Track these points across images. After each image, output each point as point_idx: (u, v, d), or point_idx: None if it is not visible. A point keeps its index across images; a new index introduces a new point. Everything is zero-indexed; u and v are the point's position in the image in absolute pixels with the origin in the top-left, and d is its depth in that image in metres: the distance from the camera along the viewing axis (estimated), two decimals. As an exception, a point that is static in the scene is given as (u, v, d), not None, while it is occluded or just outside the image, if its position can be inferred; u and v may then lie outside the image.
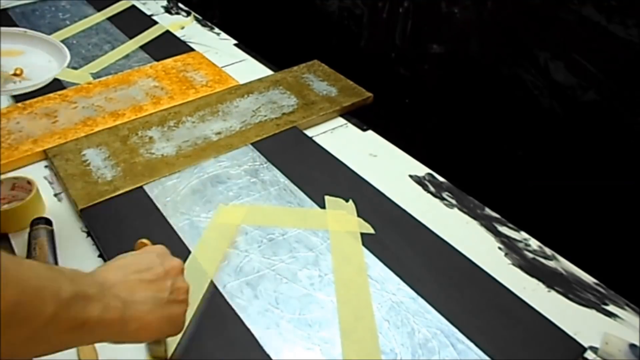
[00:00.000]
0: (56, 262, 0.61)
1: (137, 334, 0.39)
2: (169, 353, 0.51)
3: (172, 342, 0.52)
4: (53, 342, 0.32)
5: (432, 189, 0.75)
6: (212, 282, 0.59)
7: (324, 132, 0.87)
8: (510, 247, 0.67)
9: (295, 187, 0.73)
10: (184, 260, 0.61)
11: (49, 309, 0.30)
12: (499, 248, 0.67)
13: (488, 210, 0.72)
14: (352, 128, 0.88)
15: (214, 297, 0.57)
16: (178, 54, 1.06)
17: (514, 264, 0.64)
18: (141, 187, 0.72)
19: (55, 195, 0.72)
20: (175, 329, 0.44)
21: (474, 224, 0.70)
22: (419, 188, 0.76)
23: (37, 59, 0.63)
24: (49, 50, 0.64)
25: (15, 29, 0.63)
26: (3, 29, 0.63)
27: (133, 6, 1.26)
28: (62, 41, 1.08)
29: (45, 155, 0.78)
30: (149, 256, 0.43)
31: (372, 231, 0.66)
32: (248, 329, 0.55)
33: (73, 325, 0.32)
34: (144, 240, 0.49)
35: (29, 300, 0.29)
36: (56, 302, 0.30)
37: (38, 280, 0.30)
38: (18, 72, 0.59)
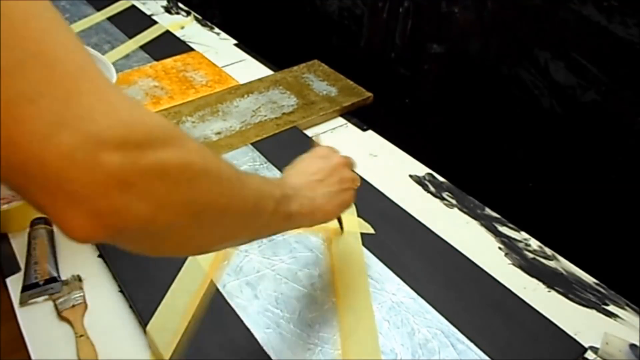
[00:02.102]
0: (56, 263, 0.61)
1: (322, 219, 0.51)
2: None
3: (172, 342, 0.52)
4: (275, 228, 0.45)
5: (432, 189, 0.75)
6: (212, 282, 0.59)
7: (324, 132, 0.87)
8: (511, 247, 0.67)
9: (295, 187, 0.73)
10: (184, 260, 0.61)
11: (271, 205, 0.41)
12: (499, 248, 0.66)
13: (488, 210, 0.72)
14: (352, 128, 0.88)
15: (214, 297, 0.57)
16: (178, 53, 1.06)
17: (514, 264, 0.64)
18: (141, 187, 0.72)
19: (55, 195, 0.72)
20: (347, 208, 0.55)
21: (474, 224, 0.70)
22: (419, 188, 0.76)
23: None
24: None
25: None
26: None
27: (133, 6, 1.26)
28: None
29: (45, 155, 0.77)
30: (317, 160, 0.55)
31: (372, 231, 0.66)
32: (248, 329, 0.54)
33: (285, 217, 0.44)
34: (315, 139, 0.62)
35: (261, 200, 0.40)
36: (274, 200, 0.41)
37: (261, 187, 0.41)
38: None
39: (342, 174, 0.54)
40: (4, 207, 0.64)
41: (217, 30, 1.19)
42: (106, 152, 0.24)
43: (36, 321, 0.57)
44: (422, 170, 0.79)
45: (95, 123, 0.24)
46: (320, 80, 0.97)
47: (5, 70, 0.23)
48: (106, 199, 0.25)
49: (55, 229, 0.65)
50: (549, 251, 0.66)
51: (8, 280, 0.60)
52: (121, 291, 0.59)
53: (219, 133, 0.83)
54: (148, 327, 0.54)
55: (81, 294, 0.59)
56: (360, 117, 0.91)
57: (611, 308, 0.59)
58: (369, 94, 0.94)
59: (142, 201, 0.27)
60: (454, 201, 0.73)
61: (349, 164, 0.57)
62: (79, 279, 0.60)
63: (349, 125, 0.89)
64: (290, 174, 0.52)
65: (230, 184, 0.36)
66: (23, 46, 0.24)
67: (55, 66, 0.24)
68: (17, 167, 0.24)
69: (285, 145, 0.81)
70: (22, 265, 0.61)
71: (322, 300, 0.58)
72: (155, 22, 1.19)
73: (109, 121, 0.25)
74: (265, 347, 0.53)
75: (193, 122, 0.85)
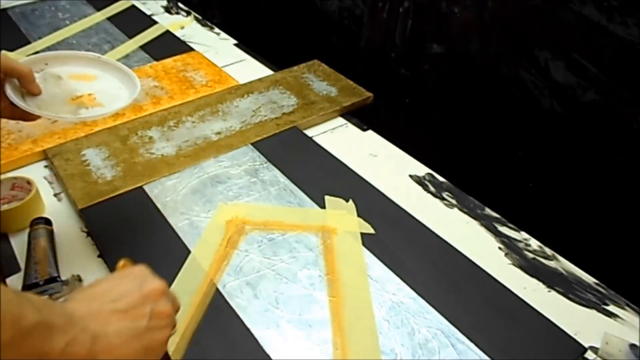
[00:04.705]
0: (56, 263, 0.61)
1: None
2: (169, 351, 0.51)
3: (172, 342, 0.52)
4: None
5: (432, 189, 0.75)
6: (212, 282, 0.59)
7: (324, 132, 0.87)
8: (511, 247, 0.67)
9: (295, 187, 0.73)
10: (184, 260, 0.61)
11: (6, 334, 0.30)
12: (499, 248, 0.66)
13: (488, 210, 0.72)
14: (352, 128, 0.88)
15: (214, 297, 0.57)
16: (178, 53, 1.06)
17: (514, 264, 0.64)
18: (141, 187, 0.72)
19: (55, 195, 0.72)
20: (153, 356, 0.41)
21: (474, 224, 0.70)
22: (419, 188, 0.76)
23: (108, 85, 0.63)
24: (120, 77, 0.64)
25: (89, 54, 0.64)
26: (78, 52, 0.63)
27: (133, 6, 1.26)
28: (62, 41, 1.09)
29: (45, 155, 0.78)
30: (126, 281, 0.40)
31: (372, 231, 0.66)
32: (248, 329, 0.54)
33: (33, 354, 0.32)
34: (124, 261, 0.46)
35: None
36: (15, 328, 0.30)
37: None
38: (90, 97, 0.60)
39: (157, 306, 0.40)
40: (4, 207, 0.64)
41: (217, 30, 1.19)
42: None
43: (36, 321, 0.56)
44: (422, 170, 0.79)
45: None
46: (320, 80, 0.97)
47: None
48: None
49: (55, 229, 0.65)
50: (549, 251, 0.66)
51: (8, 280, 0.60)
52: (121, 291, 0.59)
53: (219, 133, 0.83)
54: (148, 327, 0.54)
55: (81, 294, 0.58)
56: (360, 117, 0.91)
57: (611, 308, 0.59)
58: (369, 94, 0.94)
59: None
60: (454, 201, 0.73)
61: (168, 293, 0.42)
62: (79, 279, 0.60)
63: (349, 125, 0.89)
64: (76, 297, 0.38)
65: None
66: None
67: None
68: None
69: (285, 145, 0.81)
70: (22, 265, 0.61)
71: (322, 300, 0.58)
72: (155, 22, 1.19)
73: None
74: (265, 347, 0.53)
75: (193, 122, 0.85)
